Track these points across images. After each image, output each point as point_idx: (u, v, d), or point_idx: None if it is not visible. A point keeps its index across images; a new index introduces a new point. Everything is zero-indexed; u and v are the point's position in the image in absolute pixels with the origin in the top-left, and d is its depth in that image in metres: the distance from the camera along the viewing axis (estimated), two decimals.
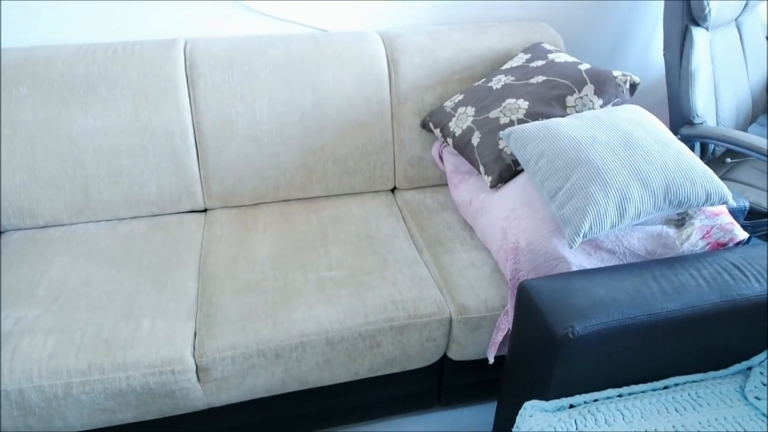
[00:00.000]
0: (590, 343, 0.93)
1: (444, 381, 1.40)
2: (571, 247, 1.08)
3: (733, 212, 1.24)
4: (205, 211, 1.58)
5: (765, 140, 1.43)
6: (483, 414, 1.48)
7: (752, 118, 1.81)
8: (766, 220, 1.48)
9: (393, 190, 1.69)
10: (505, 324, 1.22)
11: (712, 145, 1.66)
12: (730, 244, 1.15)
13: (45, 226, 1.47)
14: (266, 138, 1.52)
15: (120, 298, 1.23)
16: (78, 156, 1.43)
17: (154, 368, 1.10)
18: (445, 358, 1.34)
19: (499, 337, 1.23)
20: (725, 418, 0.96)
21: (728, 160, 1.75)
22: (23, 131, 1.39)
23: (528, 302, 1.00)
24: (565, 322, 0.92)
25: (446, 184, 1.65)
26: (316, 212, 1.55)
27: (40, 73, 1.39)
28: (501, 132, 1.30)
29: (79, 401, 1.09)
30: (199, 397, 1.16)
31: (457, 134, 1.46)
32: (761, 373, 1.03)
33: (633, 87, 1.36)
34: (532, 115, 1.34)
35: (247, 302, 1.23)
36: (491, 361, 1.26)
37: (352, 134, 1.57)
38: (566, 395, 0.99)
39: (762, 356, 1.06)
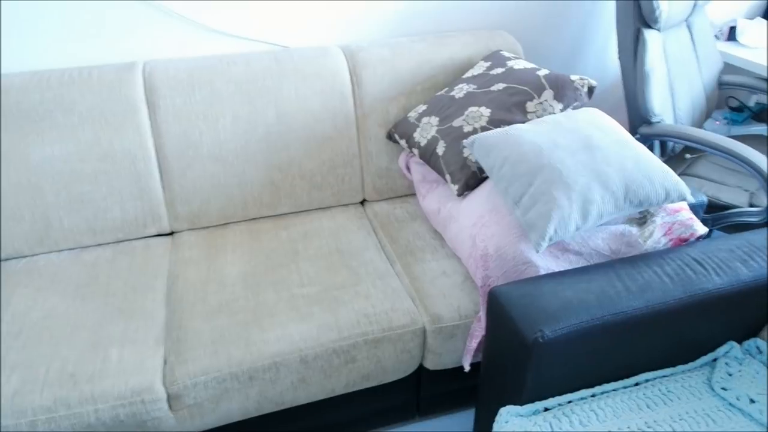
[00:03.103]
0: (560, 346, 0.94)
1: (422, 391, 1.40)
2: (537, 252, 1.09)
3: (693, 207, 1.27)
4: (171, 234, 1.55)
5: (719, 136, 1.47)
6: (462, 421, 1.48)
7: (707, 114, 1.86)
8: (725, 212, 1.52)
9: (362, 202, 1.69)
10: (479, 331, 1.22)
11: (672, 143, 1.71)
12: (692, 239, 1.17)
13: (5, 259, 1.42)
14: (231, 157, 1.51)
15: (85, 328, 1.20)
16: (36, 185, 1.39)
17: (123, 399, 1.07)
18: (421, 368, 1.34)
19: (474, 344, 1.23)
20: (695, 411, 0.98)
21: (687, 156, 1.80)
22: None
23: (498, 308, 1.01)
24: (534, 327, 0.93)
25: (415, 194, 1.66)
26: (285, 229, 1.54)
27: None
28: (465, 140, 1.31)
29: None
30: (171, 425, 1.13)
31: (422, 144, 1.47)
32: (726, 363, 1.06)
33: (591, 90, 1.39)
34: (494, 122, 1.36)
35: (218, 325, 1.21)
36: (467, 368, 1.26)
37: (318, 149, 1.57)
38: (540, 399, 1.00)
39: (726, 347, 1.08)
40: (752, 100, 2.09)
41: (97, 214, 1.45)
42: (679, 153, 1.81)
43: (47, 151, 1.39)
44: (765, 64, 1.85)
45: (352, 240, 1.48)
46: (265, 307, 1.25)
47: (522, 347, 0.94)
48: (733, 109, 2.10)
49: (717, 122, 2.10)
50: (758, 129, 1.98)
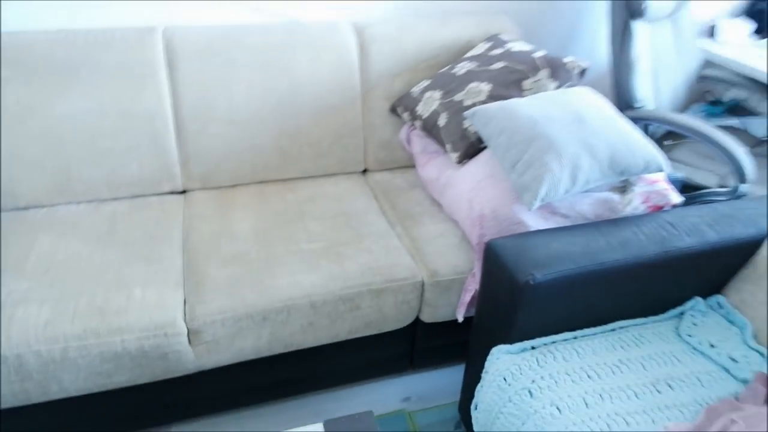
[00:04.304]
0: (548, 290, 1.06)
1: (416, 344, 1.52)
2: (529, 210, 1.21)
3: (674, 183, 1.40)
4: (184, 192, 1.64)
5: (696, 120, 1.61)
6: (452, 375, 1.60)
7: (687, 105, 2.00)
8: (697, 192, 1.66)
9: (364, 171, 1.79)
10: (472, 285, 1.34)
11: (652, 127, 1.84)
12: (667, 207, 1.30)
13: (26, 208, 1.49)
14: (244, 121, 1.60)
15: (109, 270, 1.29)
16: (59, 138, 1.47)
17: (148, 332, 1.16)
18: (417, 321, 1.45)
19: (467, 297, 1.35)
20: (663, 352, 1.10)
21: (666, 143, 1.94)
22: (5, 114, 1.42)
23: (494, 257, 1.13)
24: (526, 271, 1.05)
25: (414, 166, 1.77)
26: (292, 192, 1.64)
27: (21, 57, 1.43)
28: (466, 112, 1.42)
29: (75, 365, 1.14)
30: (190, 359, 1.23)
31: (424, 116, 1.58)
32: (692, 315, 1.19)
33: (582, 72, 1.51)
34: (493, 98, 1.47)
35: (232, 272, 1.31)
36: (460, 320, 1.38)
37: (326, 119, 1.67)
38: (528, 339, 1.12)
39: (692, 302, 1.22)
40: (728, 96, 2.23)
41: (116, 169, 1.53)
42: (659, 139, 1.94)
43: (71, 105, 1.46)
44: (741, 61, 1.99)
45: (355, 204, 1.59)
46: (276, 259, 1.35)
47: (514, 290, 1.06)
48: (710, 102, 2.24)
49: (695, 114, 2.24)
50: (732, 122, 2.13)
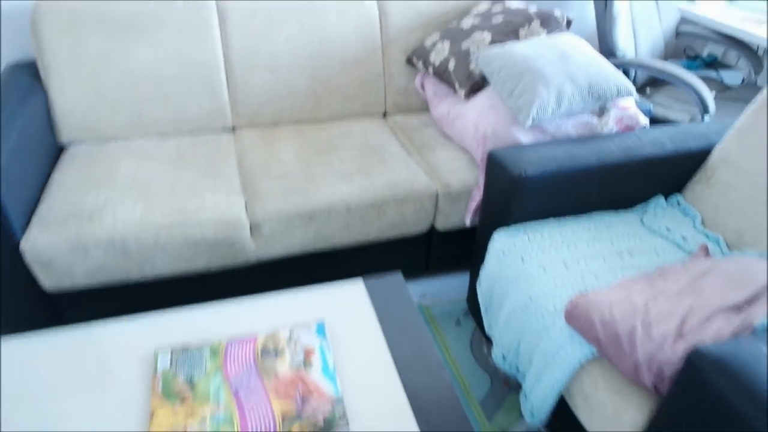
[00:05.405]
0: (537, 183, 1.36)
1: (432, 252, 1.82)
2: (523, 128, 1.50)
3: (642, 111, 1.68)
4: (233, 130, 1.94)
5: (668, 63, 1.88)
6: (461, 280, 1.90)
7: (665, 58, 2.27)
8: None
9: (384, 115, 2.09)
10: (477, 195, 1.64)
11: (633, 76, 2.12)
12: (637, 128, 1.59)
13: (107, 140, 1.80)
14: (283, 69, 1.89)
15: (183, 183, 1.59)
16: (133, 82, 1.77)
17: (220, 225, 1.47)
18: (433, 230, 1.75)
19: (473, 205, 1.65)
20: (628, 233, 1.40)
21: (648, 90, 2.22)
22: (89, 61, 1.72)
23: (494, 161, 1.42)
24: (519, 168, 1.35)
25: (428, 110, 2.06)
26: (324, 130, 1.93)
27: (101, 12, 1.72)
28: (472, 55, 1.71)
29: (164, 250, 1.45)
30: (251, 250, 1.54)
31: (436, 64, 1.87)
32: (654, 209, 1.48)
33: (569, 23, 1.79)
34: (494, 44, 1.76)
35: (282, 184, 1.61)
36: (468, 224, 1.68)
37: (352, 68, 1.96)
38: (521, 222, 1.42)
39: (655, 199, 1.51)
40: (705, 51, 2.50)
41: (179, 109, 1.83)
42: (641, 87, 2.22)
43: (142, 55, 1.76)
44: (716, 19, 2.26)
45: (378, 138, 1.89)
46: (317, 176, 1.65)
47: (511, 182, 1.35)
48: (689, 57, 2.52)
49: None
50: (709, 74, 2.40)
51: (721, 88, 2.21)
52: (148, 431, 0.93)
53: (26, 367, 1.03)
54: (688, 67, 2.47)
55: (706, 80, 2.26)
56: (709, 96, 1.79)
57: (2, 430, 0.93)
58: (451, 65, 1.81)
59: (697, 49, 2.53)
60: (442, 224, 1.71)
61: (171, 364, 1.04)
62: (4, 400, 0.97)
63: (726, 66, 2.51)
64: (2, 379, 1.01)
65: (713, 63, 2.52)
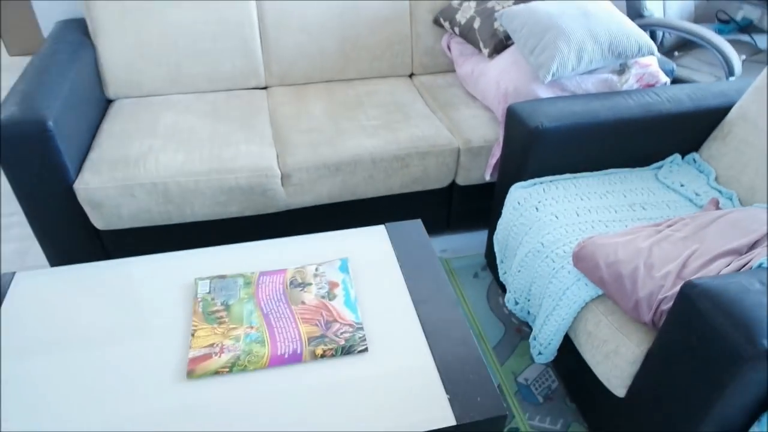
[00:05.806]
0: (553, 135, 1.41)
1: (452, 208, 1.89)
2: (543, 83, 1.55)
3: (665, 71, 1.70)
4: (266, 88, 2.03)
5: (695, 25, 1.88)
6: (479, 237, 1.98)
7: (695, 21, 2.25)
8: None
9: (410, 75, 2.15)
10: (497, 150, 1.70)
11: (660, 36, 2.12)
12: (657, 86, 1.61)
13: (148, 95, 1.92)
14: (314, 30, 1.97)
15: (219, 134, 1.70)
16: (173, 40, 1.87)
17: (253, 172, 1.58)
18: (454, 185, 1.82)
19: (493, 161, 1.71)
20: (642, 188, 1.45)
21: (675, 53, 2.21)
22: (132, 19, 1.83)
23: (513, 115, 1.48)
24: (536, 120, 1.40)
25: (454, 71, 2.11)
26: (352, 88, 2.01)
27: None
28: (496, 13, 1.75)
29: (203, 194, 1.57)
30: (282, 198, 1.64)
31: (462, 23, 1.91)
32: (670, 166, 1.52)
33: None
34: (518, 2, 1.79)
35: (311, 137, 1.70)
36: (487, 178, 1.74)
37: (380, 29, 2.02)
38: (537, 177, 1.48)
39: (672, 157, 1.54)
40: (739, 15, 2.46)
41: (215, 67, 1.92)
42: (668, 50, 2.22)
43: (180, 14, 1.85)
44: None
45: (404, 97, 1.95)
46: (344, 130, 1.73)
47: (528, 134, 1.41)
48: (721, 21, 2.48)
49: None
50: (743, 38, 2.36)
51: (754, 52, 2.19)
52: (190, 346, 1.05)
53: (81, 293, 1.16)
54: (720, 31, 2.43)
55: (739, 43, 2.23)
56: (734, 57, 1.79)
57: (62, 343, 1.07)
58: (477, 24, 1.85)
59: (731, 12, 2.49)
60: (463, 179, 1.78)
61: (210, 290, 1.16)
62: (62, 320, 1.11)
63: (761, 30, 2.47)
64: (60, 302, 1.14)
65: (747, 27, 2.47)
